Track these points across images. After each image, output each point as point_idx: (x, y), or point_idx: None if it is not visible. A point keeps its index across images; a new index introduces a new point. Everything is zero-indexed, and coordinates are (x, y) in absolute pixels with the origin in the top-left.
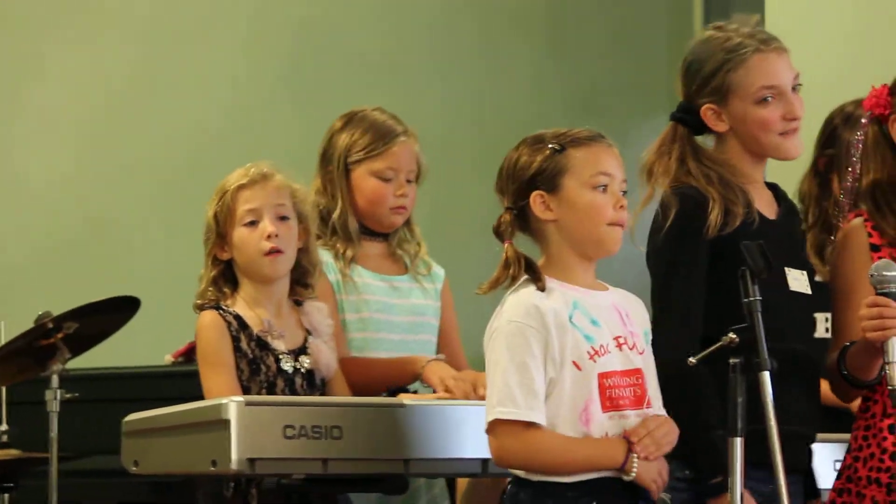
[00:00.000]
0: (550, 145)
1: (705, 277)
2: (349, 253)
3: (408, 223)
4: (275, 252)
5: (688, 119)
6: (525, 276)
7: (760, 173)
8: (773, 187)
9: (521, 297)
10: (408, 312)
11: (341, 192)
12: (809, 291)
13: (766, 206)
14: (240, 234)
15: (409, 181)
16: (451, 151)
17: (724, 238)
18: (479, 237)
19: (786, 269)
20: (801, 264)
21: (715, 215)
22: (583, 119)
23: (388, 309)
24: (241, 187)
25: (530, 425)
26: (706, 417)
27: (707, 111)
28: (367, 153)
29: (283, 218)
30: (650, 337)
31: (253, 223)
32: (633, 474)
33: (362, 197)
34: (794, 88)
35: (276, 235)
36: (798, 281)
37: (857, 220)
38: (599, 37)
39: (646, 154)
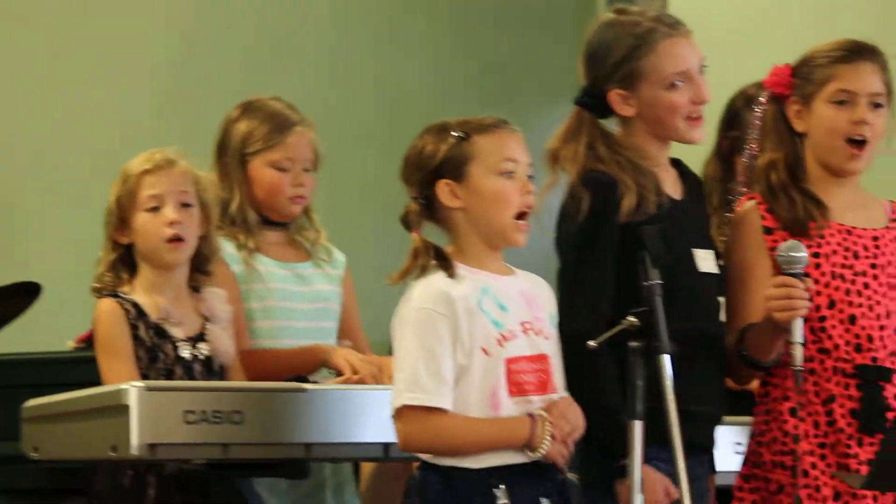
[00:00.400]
0: (455, 133)
1: (614, 264)
2: (250, 244)
3: (306, 210)
4: (176, 239)
5: (593, 104)
6: (434, 263)
7: (665, 155)
8: (676, 164)
9: (431, 284)
10: (311, 299)
11: (238, 183)
12: (717, 271)
13: (673, 187)
14: (142, 219)
15: (306, 170)
16: (353, 136)
17: (636, 224)
18: (381, 223)
19: (694, 250)
20: (708, 244)
21: (628, 201)
22: (486, 100)
23: (291, 296)
24: (145, 172)
25: (435, 410)
26: (612, 402)
27: (614, 96)
28: (264, 144)
29: (185, 205)
30: (556, 321)
31: (155, 209)
32: (543, 451)
33: (260, 188)
34: (700, 71)
35: (179, 223)
36: (706, 261)
37: (751, 203)
38: (502, 17)
39: (551, 140)
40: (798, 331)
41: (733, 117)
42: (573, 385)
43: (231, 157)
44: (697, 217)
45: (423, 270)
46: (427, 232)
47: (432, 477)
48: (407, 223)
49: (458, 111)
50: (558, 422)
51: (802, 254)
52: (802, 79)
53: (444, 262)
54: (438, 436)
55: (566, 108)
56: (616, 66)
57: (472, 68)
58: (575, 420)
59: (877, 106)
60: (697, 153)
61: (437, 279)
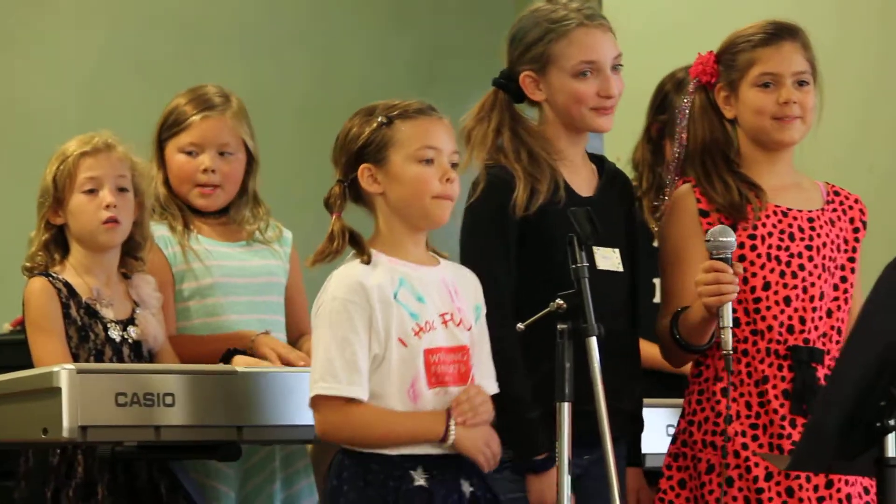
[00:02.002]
0: (379, 118)
1: (515, 255)
2: (180, 227)
3: (244, 198)
4: (112, 222)
5: (508, 85)
6: (352, 251)
7: (578, 148)
8: (599, 160)
9: (347, 273)
10: (255, 274)
11: (157, 167)
12: (620, 269)
13: (583, 183)
14: (78, 200)
15: (223, 154)
16: (287, 116)
17: (529, 217)
18: (316, 204)
19: (594, 248)
20: (615, 242)
21: (520, 194)
22: (428, 86)
23: (234, 272)
24: (84, 154)
25: (352, 400)
26: (520, 397)
27: (526, 78)
28: (174, 128)
29: (122, 189)
30: (483, 311)
31: (92, 191)
32: (452, 439)
33: (171, 174)
34: (614, 68)
35: (115, 206)
36: (608, 259)
37: (686, 187)
38: (444, 2)
39: (465, 118)
40: (727, 315)
41: (663, 101)
42: None
43: (153, 140)
44: (606, 214)
45: (337, 255)
46: (354, 215)
47: (349, 461)
48: (329, 206)
49: (392, 93)
50: (461, 406)
51: (730, 238)
52: (726, 66)
53: (359, 248)
54: (354, 427)
55: None
56: (528, 48)
57: (409, 51)
58: (481, 405)
59: (802, 83)
60: (629, 137)
61: (352, 267)
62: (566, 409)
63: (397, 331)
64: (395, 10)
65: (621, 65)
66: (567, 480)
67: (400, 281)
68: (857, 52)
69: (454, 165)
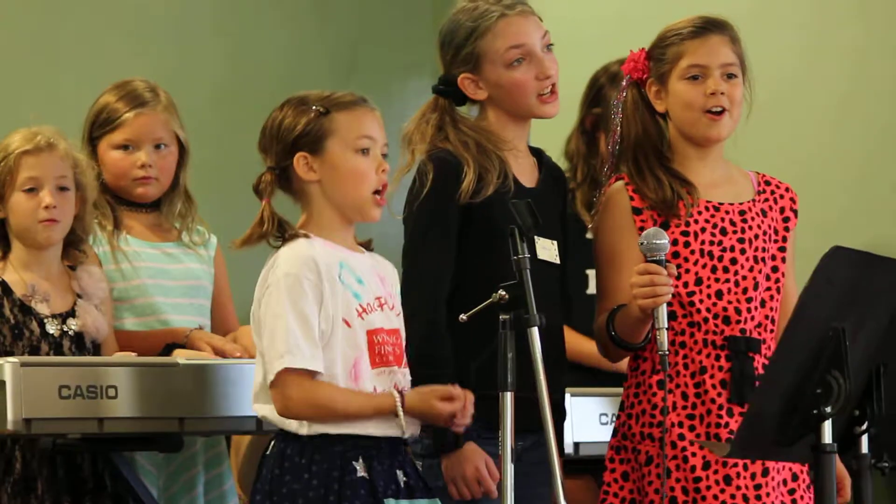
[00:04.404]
0: (315, 108)
1: (456, 242)
2: (110, 226)
3: (175, 190)
4: (50, 220)
5: (449, 91)
6: (290, 232)
7: (523, 140)
8: (537, 153)
9: (297, 249)
10: (183, 277)
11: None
12: (557, 261)
13: (526, 174)
14: (17, 198)
15: (158, 148)
16: (206, 106)
17: (475, 205)
18: (234, 192)
19: (536, 237)
20: (553, 234)
21: (468, 181)
22: (347, 78)
23: (161, 274)
24: (25, 153)
25: (314, 375)
26: (442, 379)
27: (464, 80)
28: (106, 126)
29: (62, 188)
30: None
31: (32, 190)
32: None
33: (106, 170)
34: (546, 48)
35: (54, 207)
36: (547, 250)
37: (619, 184)
38: None
39: (406, 126)
40: (662, 317)
41: (597, 93)
42: (412, 361)
43: (83, 137)
44: (547, 207)
45: (263, 238)
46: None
47: (291, 448)
48: (258, 192)
49: (314, 82)
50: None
51: (664, 241)
52: (656, 60)
53: (293, 233)
54: (318, 401)
55: (422, 82)
56: (458, 50)
57: (328, 40)
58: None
59: (730, 76)
60: (561, 128)
61: (302, 244)
62: (508, 398)
63: (343, 311)
64: (311, 1)
65: (552, 44)
66: (510, 469)
67: (340, 263)
68: (835, 51)
69: (384, 156)
